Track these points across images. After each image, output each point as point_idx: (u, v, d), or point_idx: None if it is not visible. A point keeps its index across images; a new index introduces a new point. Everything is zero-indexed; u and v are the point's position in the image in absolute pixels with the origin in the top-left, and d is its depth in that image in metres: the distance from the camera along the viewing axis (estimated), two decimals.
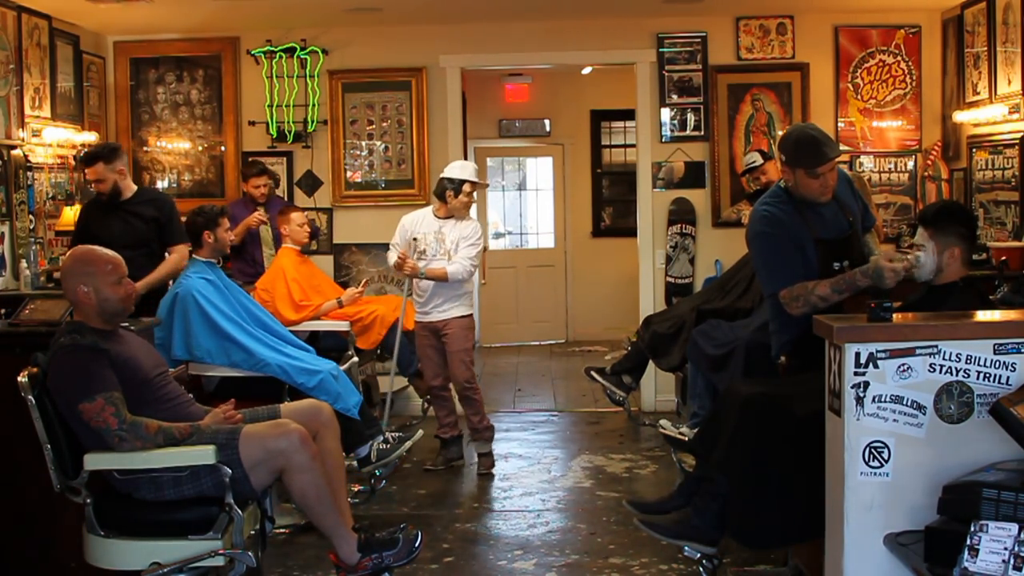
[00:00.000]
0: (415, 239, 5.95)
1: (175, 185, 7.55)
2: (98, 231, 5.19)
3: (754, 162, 6.52)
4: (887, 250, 3.85)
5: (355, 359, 5.60)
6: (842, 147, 6.84)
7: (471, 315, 6.06)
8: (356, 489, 5.27)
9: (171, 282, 5.38)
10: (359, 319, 6.02)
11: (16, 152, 5.94)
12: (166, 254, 5.48)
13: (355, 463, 5.02)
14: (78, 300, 3.56)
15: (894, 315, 3.20)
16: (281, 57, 7.39)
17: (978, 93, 6.52)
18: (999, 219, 6.21)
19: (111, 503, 3.49)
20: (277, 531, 4.78)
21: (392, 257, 6.02)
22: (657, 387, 7.36)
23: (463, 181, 5.91)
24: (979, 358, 3.08)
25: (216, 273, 4.99)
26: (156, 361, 3.78)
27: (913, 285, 3.74)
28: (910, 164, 7.31)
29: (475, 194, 6.05)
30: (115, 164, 5.40)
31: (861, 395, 3.10)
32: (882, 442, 3.10)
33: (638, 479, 5.91)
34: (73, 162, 6.62)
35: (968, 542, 2.71)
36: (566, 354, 10.30)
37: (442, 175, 6.04)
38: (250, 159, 7.19)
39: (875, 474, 3.11)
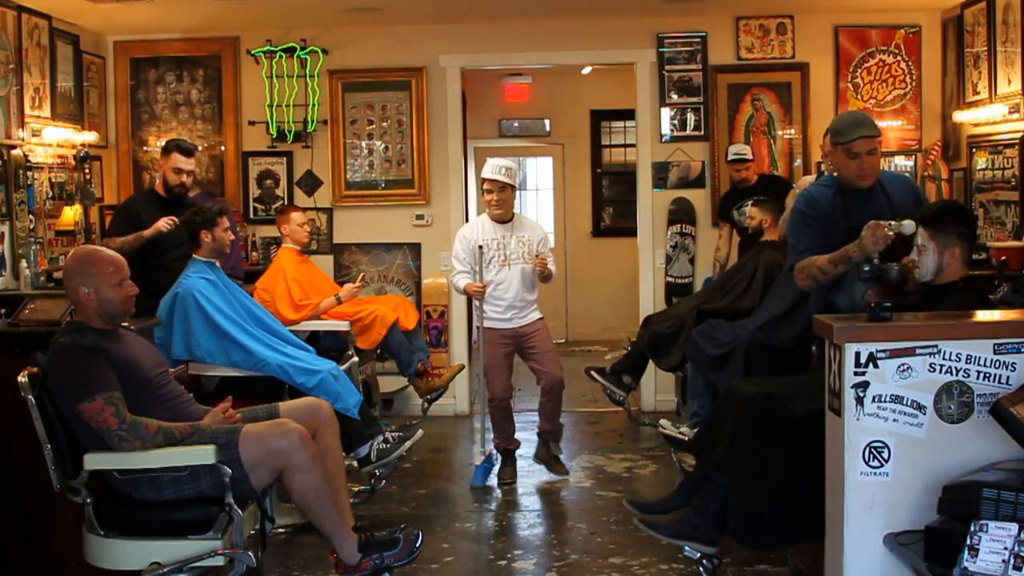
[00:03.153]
0: (480, 248, 5.73)
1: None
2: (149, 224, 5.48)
3: (744, 153, 6.59)
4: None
5: (355, 359, 5.60)
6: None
7: (543, 317, 5.98)
8: (356, 489, 5.27)
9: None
10: (359, 319, 6.01)
11: (16, 152, 5.94)
12: None
13: (355, 463, 5.02)
14: (79, 300, 3.56)
15: (894, 315, 3.20)
16: (281, 57, 7.39)
17: (978, 93, 6.52)
18: (999, 219, 6.21)
19: (111, 503, 3.49)
20: (277, 531, 4.78)
21: (462, 281, 5.76)
22: (657, 387, 7.36)
23: (483, 180, 5.80)
24: (979, 358, 3.08)
25: (216, 273, 4.98)
26: (156, 360, 3.77)
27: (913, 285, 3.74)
28: (910, 164, 7.30)
29: (497, 191, 5.71)
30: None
31: (861, 395, 3.10)
32: (882, 442, 3.11)
33: (638, 479, 5.91)
34: (73, 162, 6.61)
35: (968, 542, 2.71)
36: (566, 354, 10.26)
37: None
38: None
39: (875, 474, 3.11)
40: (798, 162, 7.34)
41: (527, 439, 6.60)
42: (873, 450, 3.11)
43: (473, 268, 5.75)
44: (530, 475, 5.99)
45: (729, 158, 6.77)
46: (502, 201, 5.75)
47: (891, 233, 3.61)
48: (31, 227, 6.05)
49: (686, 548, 3.85)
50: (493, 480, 5.82)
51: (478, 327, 5.94)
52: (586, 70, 9.70)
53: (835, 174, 4.10)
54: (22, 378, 3.39)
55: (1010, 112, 6.02)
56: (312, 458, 3.63)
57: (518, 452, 6.02)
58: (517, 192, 5.99)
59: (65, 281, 3.63)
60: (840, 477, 3.15)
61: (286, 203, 7.30)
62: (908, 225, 3.61)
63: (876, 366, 3.10)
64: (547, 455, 5.93)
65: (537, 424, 5.96)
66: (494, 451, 5.86)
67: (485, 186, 5.78)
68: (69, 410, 3.41)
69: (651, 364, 5.93)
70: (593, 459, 6.29)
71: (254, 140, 7.51)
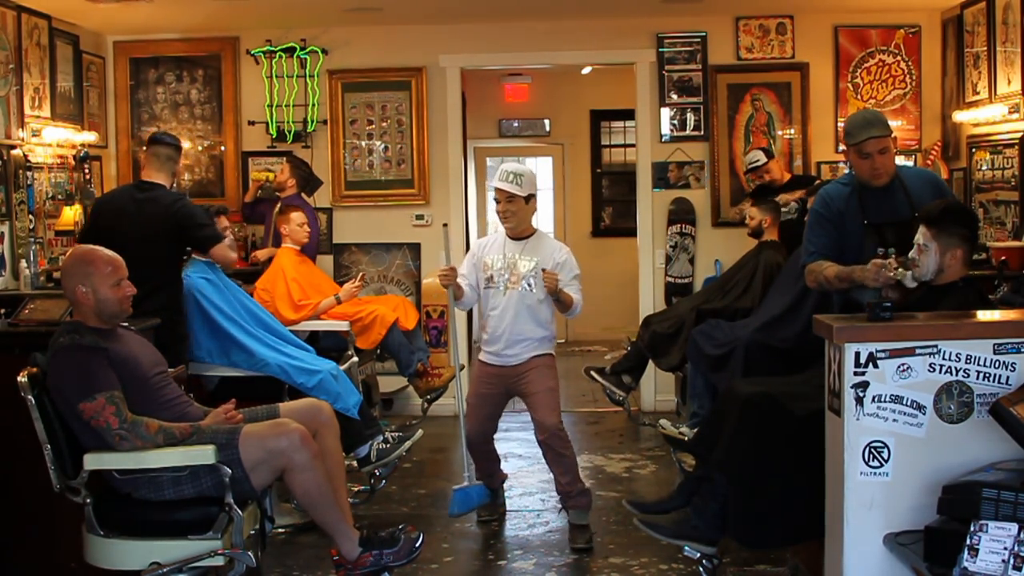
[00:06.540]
0: (485, 263, 4.95)
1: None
2: None
3: (757, 160, 6.61)
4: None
5: (355, 359, 5.59)
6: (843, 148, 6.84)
7: (553, 354, 5.03)
8: (356, 489, 5.27)
9: None
10: (359, 319, 6.01)
11: (16, 152, 5.94)
12: None
13: (355, 463, 5.01)
14: (76, 299, 3.56)
15: (894, 315, 3.20)
16: (281, 57, 7.39)
17: (978, 93, 6.52)
18: (999, 219, 6.21)
19: (111, 503, 3.49)
20: (277, 531, 4.78)
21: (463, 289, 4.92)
22: (657, 387, 7.36)
23: (497, 188, 4.95)
24: (979, 358, 3.08)
25: (216, 273, 4.98)
26: (155, 359, 3.77)
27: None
28: (910, 164, 7.30)
29: (504, 201, 4.93)
30: None
31: (861, 395, 3.10)
32: (882, 442, 3.11)
33: (638, 479, 5.91)
34: (73, 162, 6.61)
35: (968, 542, 2.71)
36: (566, 354, 10.27)
37: None
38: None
39: (875, 474, 3.11)
40: (798, 162, 7.34)
41: (525, 438, 6.59)
42: (873, 450, 3.11)
43: (472, 285, 4.96)
44: (529, 475, 5.98)
45: (746, 169, 6.80)
46: (510, 213, 4.90)
47: (892, 275, 3.58)
48: (31, 227, 6.05)
49: (686, 548, 3.85)
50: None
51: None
52: (586, 70, 9.69)
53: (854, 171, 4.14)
54: (22, 378, 3.40)
55: (1010, 112, 6.02)
56: (313, 457, 3.63)
57: (518, 452, 5.89)
58: (536, 203, 5.12)
59: (63, 280, 3.63)
60: (840, 477, 3.15)
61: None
62: (911, 276, 3.58)
63: (876, 366, 3.10)
64: (568, 526, 4.90)
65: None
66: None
67: (494, 195, 5.00)
68: (69, 410, 3.41)
69: (651, 364, 5.93)
70: (593, 459, 6.29)
71: (254, 140, 7.51)
